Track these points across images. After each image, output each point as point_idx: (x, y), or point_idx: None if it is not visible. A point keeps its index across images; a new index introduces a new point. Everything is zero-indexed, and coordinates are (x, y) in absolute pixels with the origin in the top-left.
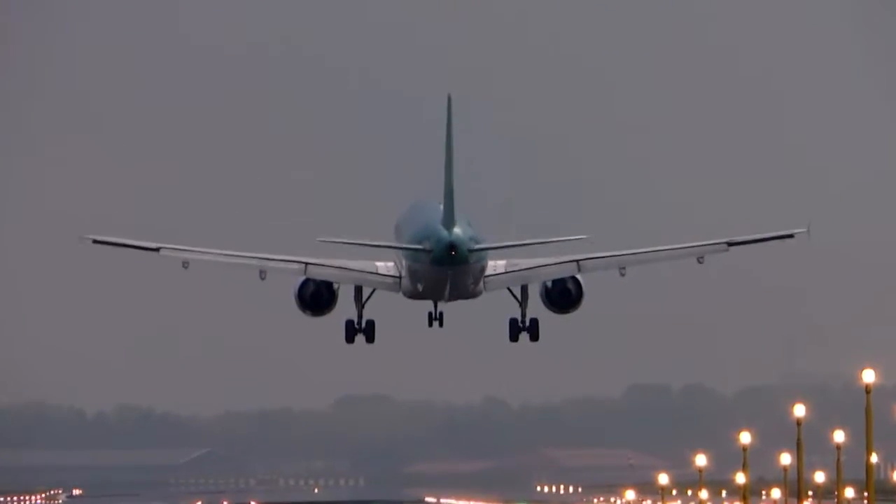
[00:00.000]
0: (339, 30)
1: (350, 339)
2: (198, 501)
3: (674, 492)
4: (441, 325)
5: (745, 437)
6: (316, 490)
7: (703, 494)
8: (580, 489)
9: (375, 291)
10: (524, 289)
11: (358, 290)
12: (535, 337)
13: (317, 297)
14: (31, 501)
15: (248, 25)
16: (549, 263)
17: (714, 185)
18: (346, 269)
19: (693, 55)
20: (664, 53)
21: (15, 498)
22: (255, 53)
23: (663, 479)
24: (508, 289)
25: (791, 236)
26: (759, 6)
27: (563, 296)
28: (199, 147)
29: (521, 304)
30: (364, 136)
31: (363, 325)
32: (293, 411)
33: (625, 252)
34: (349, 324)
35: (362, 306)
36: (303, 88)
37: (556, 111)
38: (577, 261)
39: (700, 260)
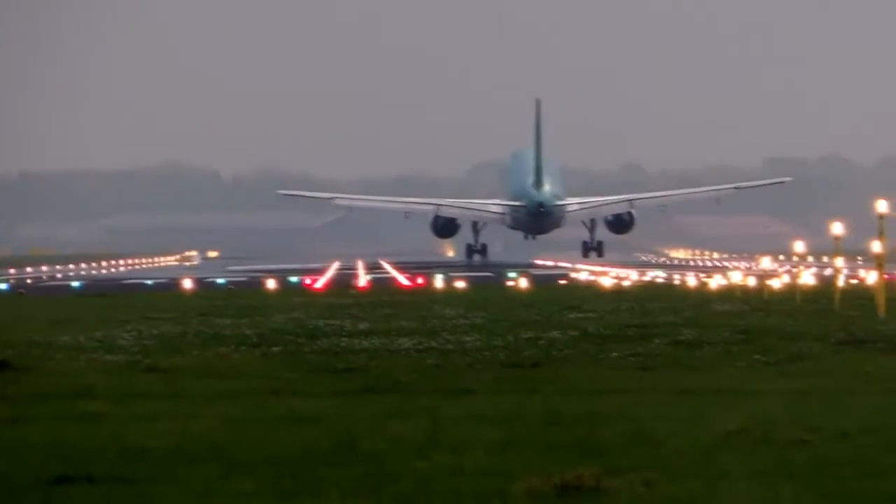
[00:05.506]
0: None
1: (469, 257)
2: (335, 262)
3: (809, 258)
4: (535, 239)
5: (882, 206)
6: (451, 253)
7: (839, 262)
8: (715, 256)
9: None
10: (592, 220)
11: (474, 223)
12: (600, 254)
13: (445, 228)
14: (165, 263)
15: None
16: (610, 202)
17: None
18: (465, 208)
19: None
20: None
21: (150, 259)
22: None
23: (799, 246)
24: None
25: (782, 182)
26: (790, 59)
27: (621, 224)
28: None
29: (590, 231)
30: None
31: (478, 247)
32: (427, 177)
33: (662, 194)
34: (469, 247)
35: (477, 233)
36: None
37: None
38: (630, 200)
39: (718, 202)
